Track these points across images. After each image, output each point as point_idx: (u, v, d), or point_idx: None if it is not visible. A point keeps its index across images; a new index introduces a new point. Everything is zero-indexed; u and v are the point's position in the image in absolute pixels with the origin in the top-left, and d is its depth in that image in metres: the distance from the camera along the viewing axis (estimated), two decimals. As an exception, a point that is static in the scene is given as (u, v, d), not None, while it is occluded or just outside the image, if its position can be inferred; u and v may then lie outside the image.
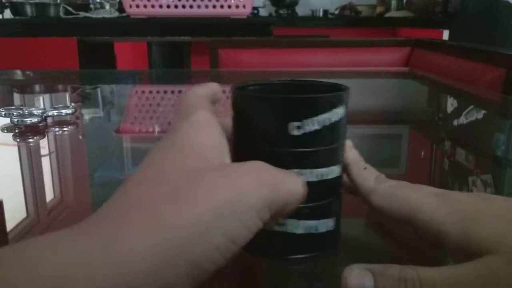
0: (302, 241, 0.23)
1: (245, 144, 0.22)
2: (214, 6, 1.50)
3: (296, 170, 0.21)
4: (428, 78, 1.08)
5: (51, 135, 0.55)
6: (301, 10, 2.70)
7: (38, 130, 0.55)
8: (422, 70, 1.14)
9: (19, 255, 0.14)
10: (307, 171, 0.21)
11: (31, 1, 1.61)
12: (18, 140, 0.53)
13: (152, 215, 0.16)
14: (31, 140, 0.53)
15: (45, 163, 0.47)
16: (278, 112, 0.21)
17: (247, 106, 0.22)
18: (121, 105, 0.81)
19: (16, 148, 0.51)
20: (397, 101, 0.87)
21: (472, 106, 0.79)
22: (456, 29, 1.80)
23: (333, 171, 0.22)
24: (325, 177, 0.22)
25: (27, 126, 0.54)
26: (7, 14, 1.68)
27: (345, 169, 0.24)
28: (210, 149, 0.19)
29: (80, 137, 0.58)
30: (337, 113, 0.21)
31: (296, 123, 0.21)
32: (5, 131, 0.55)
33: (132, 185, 0.18)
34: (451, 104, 0.86)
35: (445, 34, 2.10)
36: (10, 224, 0.32)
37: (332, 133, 0.22)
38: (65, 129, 0.59)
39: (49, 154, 0.50)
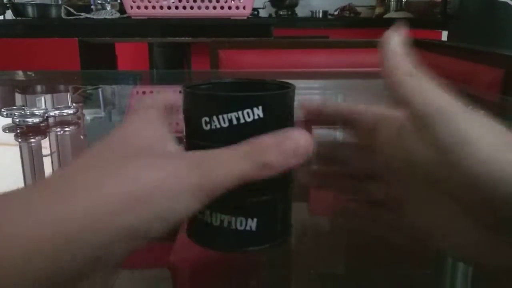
0: (236, 236, 0.23)
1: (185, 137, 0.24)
2: (214, 7, 1.51)
3: None
4: (427, 78, 1.08)
5: (52, 135, 0.56)
6: (301, 11, 2.70)
7: (40, 130, 0.55)
8: (421, 71, 1.14)
9: None
10: None
11: (32, 2, 1.61)
12: (19, 140, 0.53)
13: (92, 183, 0.17)
14: (32, 140, 0.53)
15: (47, 163, 0.48)
16: (194, 106, 0.23)
17: (183, 101, 0.24)
18: (122, 106, 0.82)
19: (17, 148, 0.51)
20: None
21: (470, 107, 0.79)
22: (454, 30, 1.80)
23: None
24: None
25: (28, 126, 0.55)
26: (9, 15, 1.69)
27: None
28: (155, 140, 0.21)
29: (82, 137, 0.59)
30: (249, 114, 0.21)
31: (205, 118, 0.22)
32: (7, 131, 0.55)
33: (79, 165, 0.19)
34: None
35: (444, 35, 2.10)
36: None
37: (243, 132, 0.21)
38: (66, 129, 0.59)
39: (51, 154, 0.51)
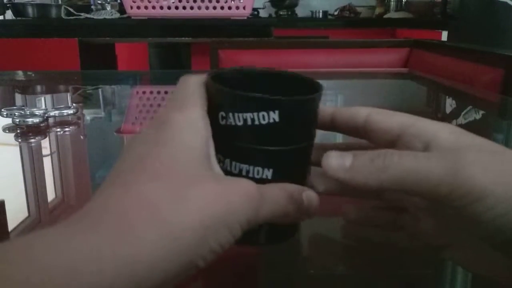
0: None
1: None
2: (214, 7, 1.51)
3: (221, 156, 0.22)
4: (427, 78, 1.08)
5: (52, 135, 0.56)
6: (301, 11, 2.70)
7: (40, 130, 0.55)
8: (421, 71, 1.14)
9: (29, 250, 0.15)
10: (227, 160, 0.22)
11: (32, 2, 1.61)
12: (19, 140, 0.53)
13: (157, 214, 0.16)
14: (32, 140, 0.53)
15: (47, 163, 0.48)
16: (213, 98, 0.22)
17: (206, 89, 0.23)
18: (122, 106, 0.82)
19: (17, 148, 0.51)
20: (396, 102, 0.88)
21: (470, 107, 0.79)
22: (454, 30, 1.80)
23: (256, 172, 0.22)
24: (243, 173, 0.22)
25: (28, 126, 0.55)
26: (9, 15, 1.68)
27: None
28: (202, 154, 0.20)
29: (82, 137, 0.58)
30: (265, 116, 0.21)
31: (222, 113, 0.21)
32: (7, 131, 0.55)
33: (130, 176, 0.18)
34: (449, 104, 0.87)
35: (444, 35, 2.10)
36: (11, 224, 0.32)
37: (257, 133, 0.21)
38: (66, 129, 0.59)
39: (51, 154, 0.51)
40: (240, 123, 0.21)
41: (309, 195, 0.22)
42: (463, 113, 0.74)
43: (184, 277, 0.17)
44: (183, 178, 0.18)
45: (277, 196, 0.21)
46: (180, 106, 0.21)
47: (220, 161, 0.22)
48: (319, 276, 0.26)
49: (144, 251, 0.16)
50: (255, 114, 0.21)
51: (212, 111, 0.22)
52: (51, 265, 0.14)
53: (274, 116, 0.21)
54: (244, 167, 0.22)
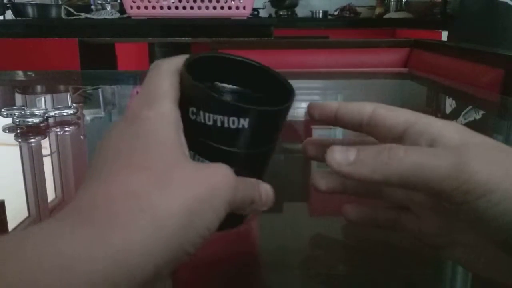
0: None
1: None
2: (214, 7, 1.51)
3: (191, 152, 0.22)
4: (427, 78, 1.08)
5: (52, 135, 0.56)
6: (301, 11, 2.70)
7: (40, 130, 0.55)
8: (421, 71, 1.14)
9: (19, 249, 0.15)
10: (191, 153, 0.22)
11: (32, 2, 1.61)
12: (19, 140, 0.53)
13: (142, 203, 0.17)
14: (32, 140, 0.53)
15: (47, 163, 0.48)
16: (185, 90, 0.22)
17: (181, 78, 0.23)
18: (122, 106, 0.82)
19: (17, 148, 0.51)
20: (396, 102, 0.88)
21: (470, 107, 0.79)
22: (454, 30, 1.80)
23: None
24: None
25: (28, 126, 0.55)
26: (9, 15, 1.68)
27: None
28: (177, 144, 0.20)
29: (82, 137, 0.59)
30: (234, 122, 0.21)
31: (193, 109, 0.21)
32: (7, 131, 0.55)
33: (111, 170, 0.18)
34: (449, 104, 0.87)
35: (444, 35, 2.10)
36: (11, 224, 0.33)
37: (224, 135, 0.21)
38: (66, 129, 0.59)
39: (51, 154, 0.51)
40: (210, 123, 0.21)
41: (266, 186, 0.23)
42: (463, 113, 0.74)
43: (176, 264, 0.17)
44: (164, 166, 0.18)
45: (249, 182, 0.22)
46: (150, 101, 0.21)
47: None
48: (319, 276, 0.26)
49: (133, 239, 0.16)
50: (226, 118, 0.21)
51: (184, 103, 0.22)
52: (43, 261, 0.15)
53: (244, 122, 0.21)
54: (208, 162, 0.22)
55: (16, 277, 0.14)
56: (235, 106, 0.21)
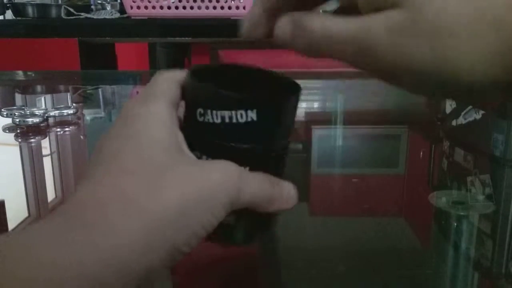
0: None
1: (184, 118, 0.23)
2: (214, 7, 1.51)
3: (198, 153, 0.22)
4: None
5: (52, 135, 0.56)
6: (302, 11, 2.70)
7: (40, 130, 0.55)
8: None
9: (8, 252, 0.15)
10: (204, 157, 0.22)
11: (32, 2, 1.61)
12: (19, 140, 0.53)
13: (133, 205, 0.17)
14: (32, 140, 0.53)
15: (47, 163, 0.48)
16: (191, 94, 0.22)
17: (185, 84, 0.23)
18: (122, 106, 0.82)
19: (17, 148, 0.51)
20: (396, 102, 0.88)
21: (470, 107, 0.79)
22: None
23: None
24: None
25: (28, 126, 0.55)
26: (9, 15, 1.68)
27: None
28: (171, 144, 0.20)
29: (82, 137, 0.59)
30: (243, 115, 0.21)
31: (200, 110, 0.21)
32: (7, 131, 0.55)
33: (103, 171, 0.18)
34: (449, 104, 0.87)
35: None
36: (11, 224, 0.33)
37: (235, 131, 0.21)
38: (66, 129, 0.59)
39: (51, 154, 0.51)
40: (218, 121, 0.21)
41: (289, 184, 0.22)
42: (463, 113, 0.74)
43: (172, 262, 0.17)
44: (156, 167, 0.18)
45: (260, 178, 0.21)
46: (144, 100, 0.21)
47: (197, 158, 0.22)
48: (319, 276, 0.26)
49: (123, 241, 0.16)
50: (234, 112, 0.21)
51: (190, 108, 0.22)
52: (32, 264, 0.15)
53: (252, 115, 0.21)
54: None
55: (4, 283, 0.14)
56: (242, 98, 0.21)
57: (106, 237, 0.16)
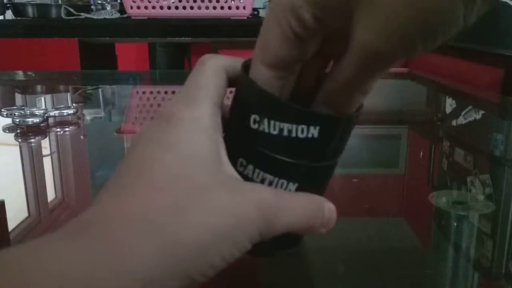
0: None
1: (230, 118, 0.22)
2: (214, 7, 1.51)
3: (243, 161, 0.20)
4: (427, 78, 1.08)
5: (52, 135, 0.56)
6: (301, 11, 2.70)
7: (40, 130, 0.55)
8: (421, 71, 1.14)
9: (19, 265, 0.14)
10: (251, 167, 0.21)
11: (32, 2, 1.61)
12: (19, 140, 0.53)
13: (153, 228, 0.16)
14: (32, 140, 0.53)
15: (47, 163, 0.48)
16: (247, 97, 0.20)
17: (238, 82, 0.21)
18: (122, 106, 0.82)
19: (17, 148, 0.51)
20: (396, 102, 0.88)
21: (470, 107, 0.79)
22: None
23: (281, 184, 0.20)
24: (266, 183, 0.20)
25: (28, 126, 0.55)
26: (9, 15, 1.68)
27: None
28: (210, 159, 0.18)
29: (82, 137, 0.59)
30: (304, 130, 0.19)
31: (255, 117, 0.20)
32: (7, 131, 0.55)
33: (129, 182, 0.17)
34: (449, 104, 0.87)
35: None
36: (11, 224, 0.33)
37: (291, 146, 0.20)
38: (66, 129, 0.59)
39: (51, 154, 0.51)
40: (275, 132, 0.19)
41: (331, 207, 0.20)
42: (463, 113, 0.74)
43: None
44: (187, 188, 0.17)
45: (302, 206, 0.19)
46: (189, 100, 0.19)
47: (241, 165, 0.21)
48: (319, 276, 0.26)
49: (138, 266, 0.15)
50: (294, 126, 0.19)
51: (243, 111, 0.20)
52: (41, 281, 0.14)
53: (314, 131, 0.19)
54: (268, 177, 0.20)
55: None
56: (307, 112, 0.19)
57: (120, 259, 0.15)
